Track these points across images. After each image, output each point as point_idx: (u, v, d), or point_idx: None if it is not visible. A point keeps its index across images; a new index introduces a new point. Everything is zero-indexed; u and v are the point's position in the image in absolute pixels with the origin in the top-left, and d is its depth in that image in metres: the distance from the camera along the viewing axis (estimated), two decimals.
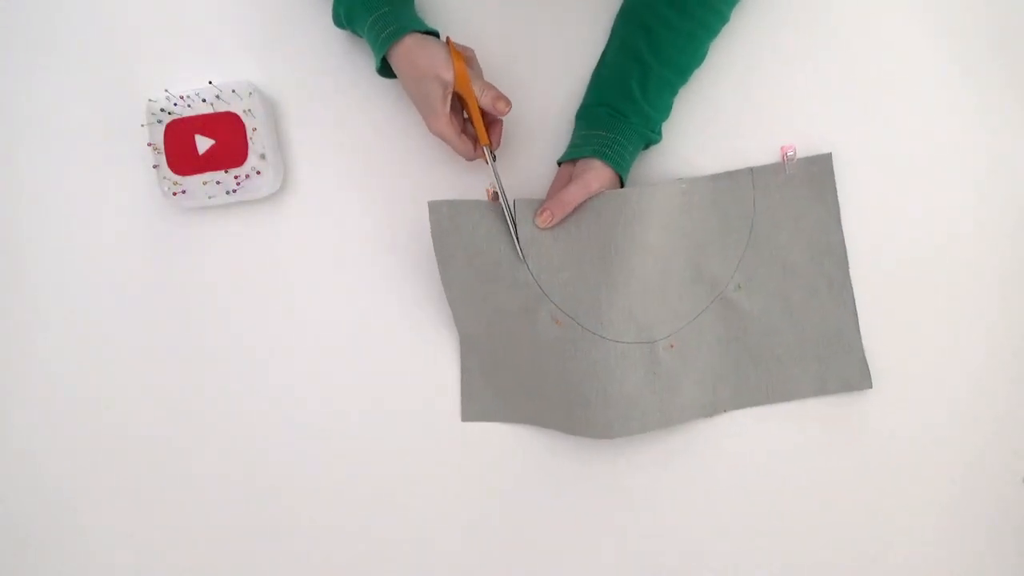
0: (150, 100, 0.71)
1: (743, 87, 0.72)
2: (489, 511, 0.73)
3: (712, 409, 0.71)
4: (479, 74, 0.68)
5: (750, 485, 0.72)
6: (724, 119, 0.73)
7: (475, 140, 0.68)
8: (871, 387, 0.71)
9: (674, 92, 0.69)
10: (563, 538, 0.73)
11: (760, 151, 0.72)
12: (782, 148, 0.71)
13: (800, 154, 0.71)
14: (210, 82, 0.72)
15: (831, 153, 0.71)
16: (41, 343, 0.76)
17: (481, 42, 0.70)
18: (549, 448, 0.73)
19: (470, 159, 0.69)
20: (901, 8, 0.72)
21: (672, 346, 0.69)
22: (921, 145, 0.72)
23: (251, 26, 0.75)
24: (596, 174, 0.67)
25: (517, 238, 0.68)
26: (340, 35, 0.74)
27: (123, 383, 0.76)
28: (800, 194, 0.71)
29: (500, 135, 0.70)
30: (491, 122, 0.70)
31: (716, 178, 0.71)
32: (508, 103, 0.66)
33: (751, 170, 0.71)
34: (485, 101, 0.66)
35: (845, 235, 0.71)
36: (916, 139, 0.72)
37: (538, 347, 0.70)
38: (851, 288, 0.71)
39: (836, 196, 0.71)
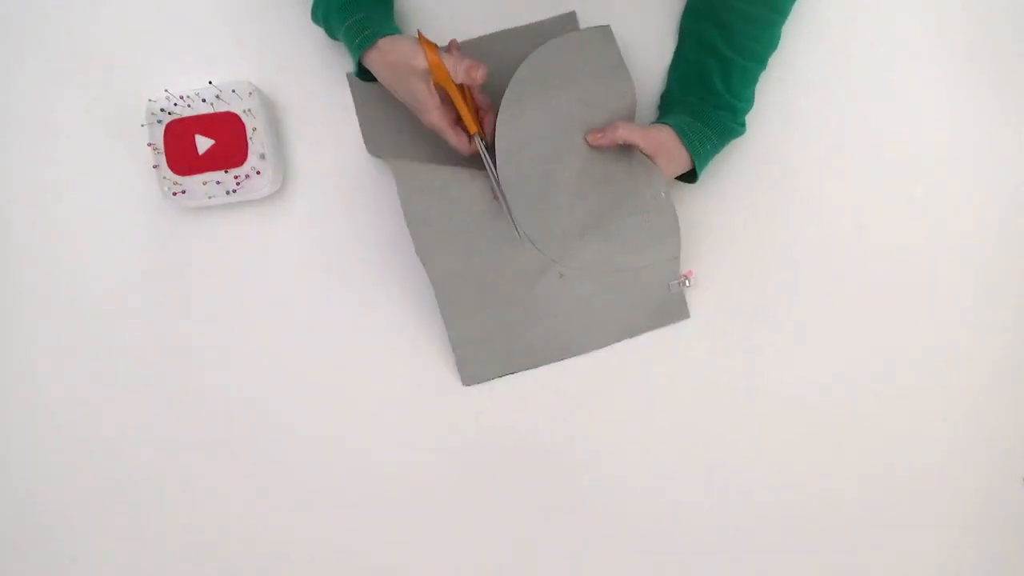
0: (150, 100, 0.71)
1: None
2: (488, 508, 0.74)
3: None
4: (459, 57, 0.65)
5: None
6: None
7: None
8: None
9: (755, 81, 0.69)
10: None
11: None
12: (689, 271, 0.72)
13: None
14: (210, 82, 0.72)
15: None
16: (41, 342, 0.76)
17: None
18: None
19: (466, 153, 0.68)
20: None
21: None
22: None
23: (251, 26, 0.75)
24: (659, 132, 0.67)
25: (515, 223, 0.68)
26: None
27: (122, 382, 0.76)
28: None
29: (493, 127, 0.68)
30: (484, 114, 0.69)
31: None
32: (481, 68, 0.63)
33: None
34: (460, 75, 0.64)
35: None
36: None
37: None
38: None
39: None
